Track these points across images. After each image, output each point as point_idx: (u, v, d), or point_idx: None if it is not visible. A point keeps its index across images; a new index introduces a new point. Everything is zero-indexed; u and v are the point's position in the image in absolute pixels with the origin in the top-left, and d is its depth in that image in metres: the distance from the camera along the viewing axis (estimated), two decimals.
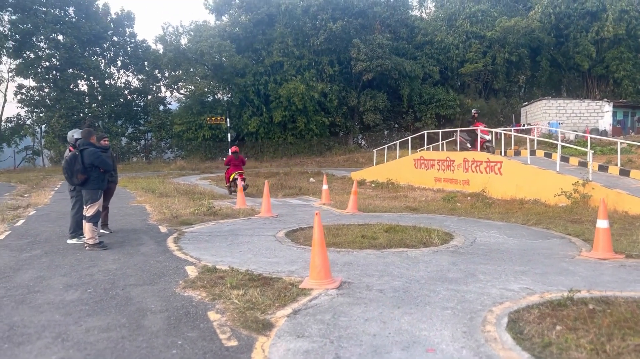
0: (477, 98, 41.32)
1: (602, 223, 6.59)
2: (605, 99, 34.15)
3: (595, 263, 6.28)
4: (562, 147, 13.95)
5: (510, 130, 19.10)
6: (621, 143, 15.39)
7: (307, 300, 4.81)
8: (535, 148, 17.61)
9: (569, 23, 39.69)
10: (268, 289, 5.15)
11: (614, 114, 32.37)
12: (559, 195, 11.85)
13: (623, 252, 6.69)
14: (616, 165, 14.29)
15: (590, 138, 14.68)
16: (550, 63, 42.19)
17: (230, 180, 15.95)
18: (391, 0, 41.33)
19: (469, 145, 17.92)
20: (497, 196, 13.94)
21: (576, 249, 7.18)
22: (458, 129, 19.11)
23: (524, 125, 31.94)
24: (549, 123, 29.94)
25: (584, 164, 14.08)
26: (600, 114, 32.15)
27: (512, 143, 18.76)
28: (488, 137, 17.48)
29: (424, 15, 48.65)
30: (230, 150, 16.81)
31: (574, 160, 15.36)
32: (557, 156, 13.80)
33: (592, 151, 12.20)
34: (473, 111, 19.16)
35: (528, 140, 15.75)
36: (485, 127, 18.06)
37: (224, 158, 18.24)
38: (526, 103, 37.40)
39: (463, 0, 43.29)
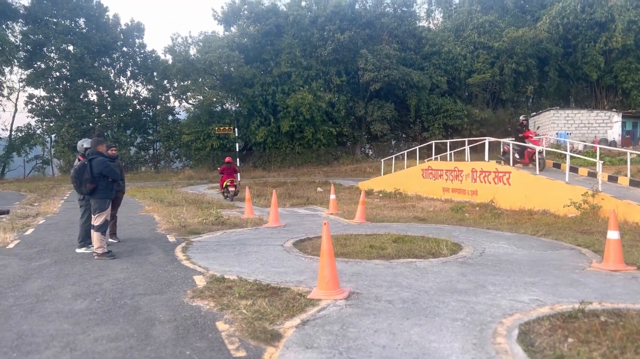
0: (484, 109, 41.27)
1: (612, 234, 6.52)
2: (614, 109, 33.96)
3: (606, 275, 6.21)
4: (571, 157, 13.87)
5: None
6: (631, 153, 15.29)
7: (316, 311, 4.78)
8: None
9: (577, 33, 39.63)
10: (276, 299, 5.13)
11: (623, 124, 32.16)
12: (568, 206, 11.77)
13: (634, 264, 6.61)
14: (626, 175, 14.18)
15: (600, 148, 14.62)
16: (559, 73, 42.08)
17: (224, 186, 18.08)
18: (399, 11, 41.53)
19: (517, 156, 15.50)
20: (505, 206, 13.86)
21: (586, 260, 7.11)
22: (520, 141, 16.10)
23: None
24: (557, 134, 29.82)
25: (593, 175, 13.99)
26: (609, 124, 31.97)
27: None
28: (540, 148, 14.99)
29: (431, 25, 48.82)
30: (225, 160, 18.97)
31: (583, 171, 15.27)
32: (566, 166, 13.74)
33: (602, 161, 12.12)
34: (521, 118, 16.89)
35: (537, 151, 15.65)
36: (536, 136, 15.90)
37: (218, 168, 20.31)
38: (534, 113, 37.25)
39: (471, 11, 43.39)
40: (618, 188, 12.89)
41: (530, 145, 15.06)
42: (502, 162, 15.77)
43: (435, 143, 21.20)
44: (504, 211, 13.17)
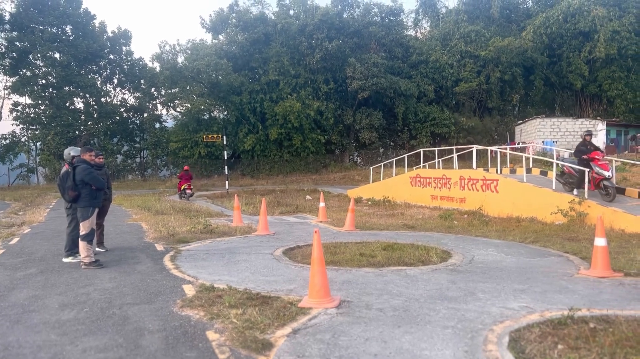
0: (471, 117, 41.65)
1: (600, 241, 6.59)
2: (598, 118, 34.44)
3: (594, 282, 6.27)
4: (558, 165, 14.01)
5: (506, 149, 19.05)
6: (615, 161, 15.49)
7: (307, 319, 4.76)
8: (531, 166, 17.69)
9: (561, 43, 40.29)
10: (267, 308, 5.10)
11: (607, 133, 32.62)
12: (555, 213, 11.88)
13: (621, 270, 6.68)
14: None
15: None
16: (544, 82, 42.65)
17: (181, 189, 21.76)
18: (386, 21, 41.85)
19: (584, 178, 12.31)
20: (493, 214, 13.95)
21: (574, 267, 7.17)
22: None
23: (518, 144, 32.13)
24: (543, 142, 30.15)
25: None
26: (594, 133, 32.39)
27: (507, 162, 18.83)
28: (607, 174, 12.02)
29: (418, 35, 49.25)
30: (183, 168, 23.52)
31: None
32: (552, 174, 13.87)
33: (587, 169, 12.26)
34: (585, 133, 13.16)
35: (524, 158, 15.81)
36: (604, 158, 12.66)
37: (177, 174, 25.47)
38: (520, 121, 37.69)
39: (457, 20, 43.88)
40: (604, 196, 13.01)
41: (597, 169, 12.14)
42: (562, 184, 13.26)
43: (423, 151, 21.32)
44: (492, 218, 13.25)
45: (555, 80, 42.56)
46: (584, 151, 12.65)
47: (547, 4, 44.64)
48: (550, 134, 31.72)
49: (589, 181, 12.26)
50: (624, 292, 5.73)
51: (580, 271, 6.84)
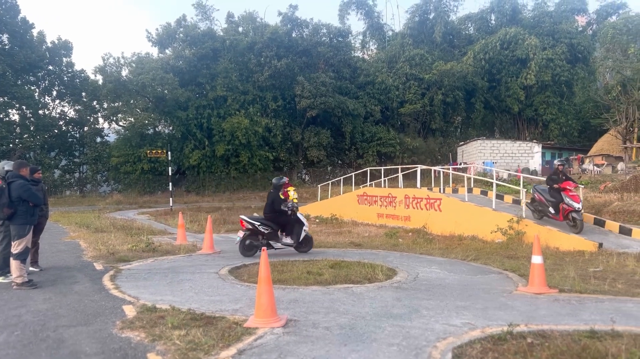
0: (416, 137, 42.83)
1: (536, 259, 6.86)
2: (534, 140, 36.26)
3: (532, 298, 6.51)
4: (497, 185, 14.56)
5: (449, 169, 19.64)
6: None
7: (252, 340, 4.68)
8: (472, 186, 18.27)
9: (500, 68, 42.36)
10: (211, 328, 4.98)
11: (543, 155, 34.34)
12: (495, 232, 12.31)
13: (556, 287, 6.97)
14: None
15: (522, 177, 15.40)
16: (484, 105, 44.55)
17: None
18: (334, 41, 42.61)
19: (551, 211, 12.28)
20: (437, 232, 14.29)
21: (513, 284, 7.43)
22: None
23: (460, 164, 33.22)
24: (484, 162, 31.32)
25: (517, 202, 14.74)
26: (531, 155, 34.02)
27: (450, 181, 19.39)
28: (577, 206, 11.67)
29: (366, 56, 50.40)
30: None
31: (508, 198, 16.05)
32: (492, 194, 14.39)
33: (525, 189, 12.81)
34: (557, 163, 12.96)
35: (465, 178, 16.33)
36: (575, 189, 12.17)
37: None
38: (462, 142, 39.08)
39: (403, 44, 45.28)
40: (571, 227, 13.45)
41: (568, 201, 11.83)
42: (532, 211, 13.07)
43: (370, 170, 21.66)
44: (436, 236, 13.57)
45: (495, 103, 44.55)
46: (556, 180, 12.43)
47: (487, 31, 46.86)
48: (490, 155, 33.03)
49: (558, 212, 12.10)
50: (559, 307, 5.98)
51: (518, 288, 7.09)
